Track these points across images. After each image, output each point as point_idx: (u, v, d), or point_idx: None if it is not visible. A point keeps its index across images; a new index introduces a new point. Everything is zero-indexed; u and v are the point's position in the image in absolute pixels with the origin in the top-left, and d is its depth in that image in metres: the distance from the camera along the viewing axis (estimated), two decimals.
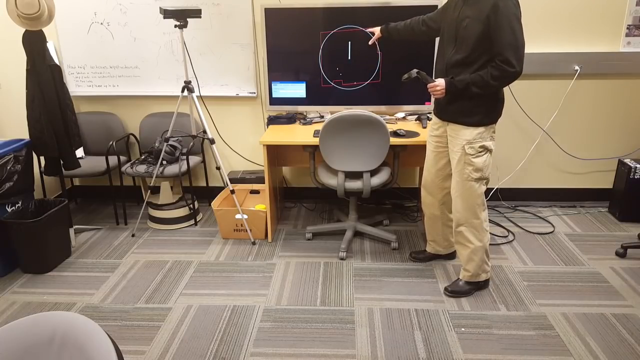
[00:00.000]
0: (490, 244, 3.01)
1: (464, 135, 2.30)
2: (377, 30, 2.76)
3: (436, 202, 2.63)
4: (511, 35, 2.07)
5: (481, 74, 2.16)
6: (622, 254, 2.86)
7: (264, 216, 3.10)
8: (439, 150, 2.51)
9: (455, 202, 2.42)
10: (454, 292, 2.50)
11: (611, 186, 3.55)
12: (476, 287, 2.52)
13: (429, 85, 2.30)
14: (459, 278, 2.54)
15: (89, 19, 3.41)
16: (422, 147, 3.21)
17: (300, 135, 3.03)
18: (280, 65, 3.29)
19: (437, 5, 3.07)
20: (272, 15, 3.17)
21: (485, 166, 2.32)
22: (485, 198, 3.60)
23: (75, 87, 3.59)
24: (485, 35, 2.13)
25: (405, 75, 2.41)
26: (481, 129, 2.27)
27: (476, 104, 2.24)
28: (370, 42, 2.80)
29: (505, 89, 3.34)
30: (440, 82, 2.26)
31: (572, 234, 3.17)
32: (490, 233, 3.16)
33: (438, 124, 2.48)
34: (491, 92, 2.22)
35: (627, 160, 3.31)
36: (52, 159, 3.01)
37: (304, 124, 3.29)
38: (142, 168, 3.28)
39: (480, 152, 2.29)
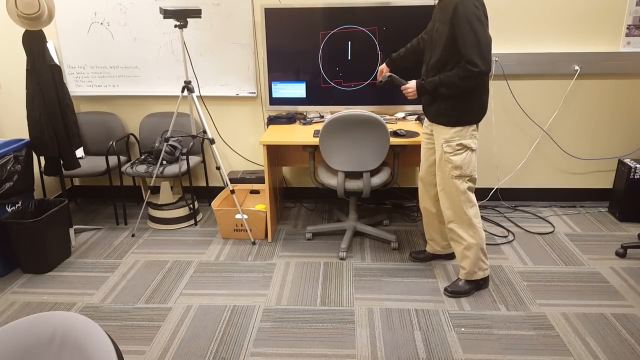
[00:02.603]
0: (490, 244, 3.02)
1: (441, 134, 2.36)
2: (383, 67, 2.75)
3: (429, 198, 2.65)
4: (472, 36, 2.10)
5: (449, 74, 2.21)
6: (622, 254, 2.86)
7: (264, 216, 3.10)
8: (429, 147, 2.56)
9: (441, 199, 2.47)
10: (453, 292, 2.50)
11: (611, 186, 3.54)
12: (475, 286, 2.52)
13: (402, 88, 2.44)
14: (458, 278, 2.55)
15: (89, 19, 3.41)
16: None
17: (300, 135, 3.03)
18: (280, 65, 3.29)
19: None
20: (272, 15, 3.17)
21: (465, 164, 2.34)
22: (486, 198, 3.62)
23: (75, 87, 3.59)
24: (452, 37, 2.17)
25: (380, 79, 2.55)
26: (458, 128, 2.31)
27: (452, 106, 2.29)
28: (379, 81, 2.60)
29: (504, 89, 3.35)
30: (411, 85, 2.38)
31: (572, 234, 3.17)
32: (490, 233, 3.18)
33: (427, 122, 2.53)
34: (465, 94, 2.24)
35: (627, 160, 3.31)
36: (52, 159, 3.01)
37: (304, 124, 3.29)
38: (142, 168, 3.28)
39: (458, 150, 2.33)
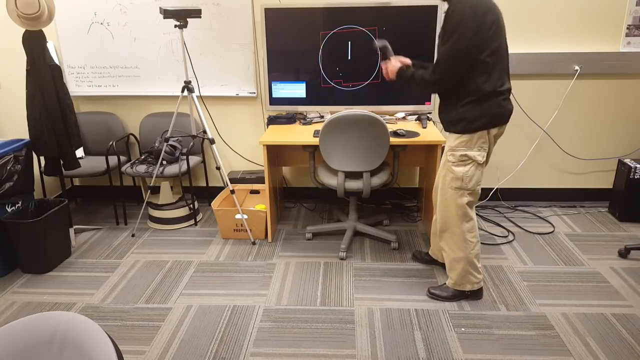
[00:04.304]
0: (490, 244, 3.02)
1: (448, 141, 2.29)
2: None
3: None
4: (444, 44, 2.07)
5: (422, 72, 2.20)
6: (624, 255, 2.85)
7: (264, 216, 3.10)
8: None
9: (437, 207, 2.39)
10: (434, 294, 2.48)
11: (611, 186, 3.55)
12: (461, 295, 2.47)
13: (382, 64, 2.43)
14: (445, 283, 2.51)
15: (89, 19, 3.41)
16: (422, 147, 3.22)
17: (300, 135, 3.03)
18: (280, 65, 3.29)
19: (437, 6, 3.07)
20: (272, 15, 3.17)
21: (467, 177, 2.23)
22: (486, 198, 3.62)
23: (75, 87, 3.59)
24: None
25: (378, 43, 2.52)
26: (465, 137, 2.19)
27: (459, 112, 2.18)
28: (376, 44, 2.55)
29: None
30: (392, 65, 2.36)
31: (572, 234, 3.17)
32: (490, 233, 3.17)
33: None
34: (472, 99, 2.14)
35: (627, 160, 3.31)
36: (52, 159, 3.01)
37: (304, 124, 3.29)
38: (142, 168, 3.28)
39: (462, 161, 2.22)
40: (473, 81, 2.12)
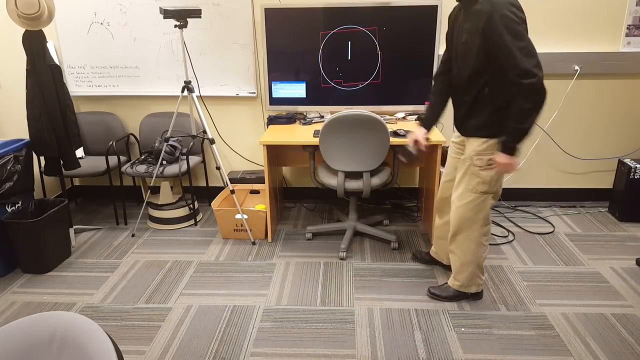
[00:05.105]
0: (490, 244, 3.02)
1: (473, 146, 2.21)
2: (419, 133, 2.39)
3: (446, 224, 2.53)
4: (517, 45, 1.88)
5: (513, 109, 1.98)
6: None
7: (264, 216, 3.10)
8: (458, 156, 2.39)
9: (456, 211, 2.33)
10: (434, 294, 2.47)
11: (611, 186, 3.55)
12: (463, 296, 2.46)
13: (498, 165, 2.11)
14: (447, 283, 2.50)
15: (89, 19, 3.41)
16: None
17: (300, 135, 3.03)
18: (280, 65, 3.29)
19: (437, 6, 3.07)
20: (272, 15, 3.17)
21: (494, 180, 2.21)
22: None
23: (75, 87, 3.59)
24: (485, 48, 1.99)
25: (411, 150, 2.36)
26: (492, 141, 2.16)
27: (489, 117, 2.13)
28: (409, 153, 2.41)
29: None
30: (505, 160, 2.06)
31: (572, 234, 3.17)
32: (490, 233, 3.17)
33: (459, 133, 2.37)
34: (504, 103, 2.08)
35: (627, 160, 3.31)
36: (52, 159, 3.01)
37: (304, 124, 3.29)
38: (142, 168, 3.28)
39: (489, 165, 2.19)
40: (505, 84, 2.04)
